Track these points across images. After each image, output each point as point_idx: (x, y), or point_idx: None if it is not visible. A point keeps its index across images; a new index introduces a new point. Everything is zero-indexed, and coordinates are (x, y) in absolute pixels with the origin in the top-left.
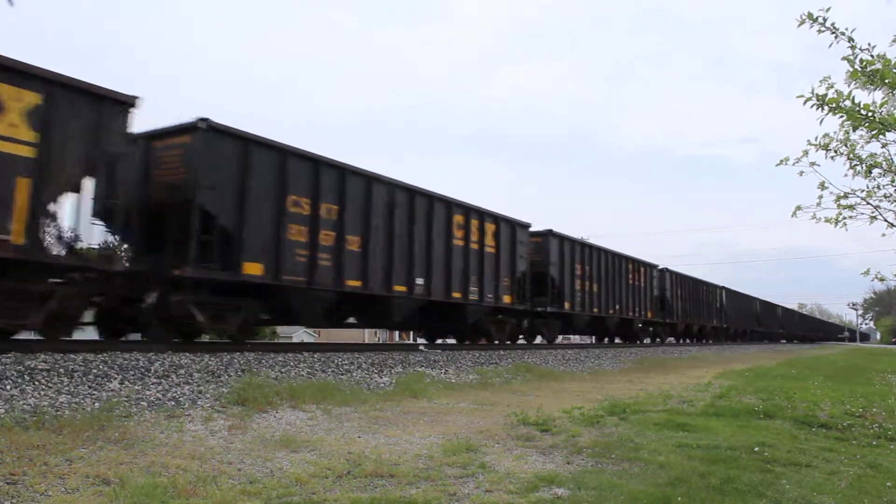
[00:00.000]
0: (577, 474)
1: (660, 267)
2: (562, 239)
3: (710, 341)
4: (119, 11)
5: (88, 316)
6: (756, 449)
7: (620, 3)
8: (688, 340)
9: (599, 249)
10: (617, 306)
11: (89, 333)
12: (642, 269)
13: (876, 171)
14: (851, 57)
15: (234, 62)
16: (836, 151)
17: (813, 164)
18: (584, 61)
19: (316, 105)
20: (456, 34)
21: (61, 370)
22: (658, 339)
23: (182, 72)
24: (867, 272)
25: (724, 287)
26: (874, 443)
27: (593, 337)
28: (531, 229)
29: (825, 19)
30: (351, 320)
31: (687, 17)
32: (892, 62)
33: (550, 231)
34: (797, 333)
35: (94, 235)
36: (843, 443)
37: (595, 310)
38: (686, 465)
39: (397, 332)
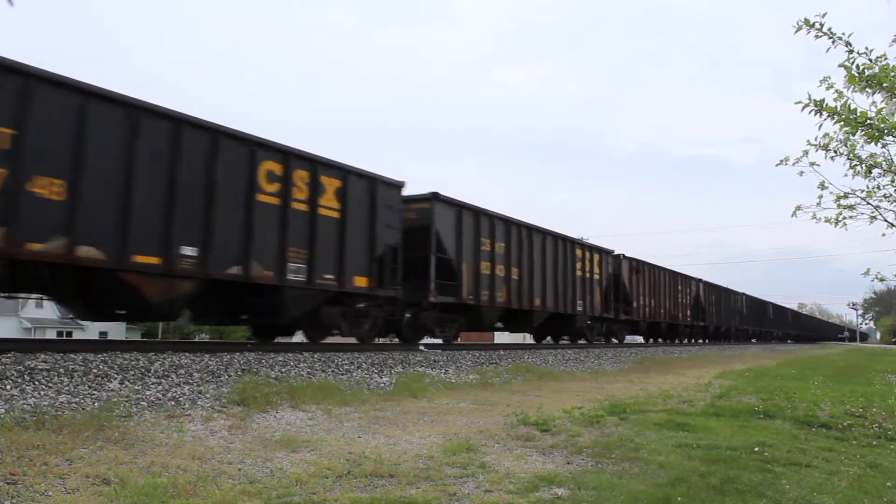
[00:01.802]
0: (577, 474)
1: (697, 279)
2: (630, 260)
3: (734, 341)
4: (119, 11)
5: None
6: (756, 449)
7: (620, 3)
8: (712, 341)
9: (655, 267)
10: (666, 312)
11: (89, 333)
12: (686, 282)
13: (876, 172)
14: (848, 63)
15: (234, 62)
16: (835, 152)
17: (813, 164)
18: (584, 61)
19: (316, 105)
20: (455, 34)
21: (61, 370)
22: (693, 340)
23: (182, 71)
24: (867, 272)
25: (744, 293)
26: (874, 443)
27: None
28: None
29: (822, 24)
30: (498, 325)
31: (687, 18)
32: (891, 66)
33: (623, 255)
34: (802, 334)
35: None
36: (844, 443)
37: (651, 316)
38: (686, 465)
39: None
